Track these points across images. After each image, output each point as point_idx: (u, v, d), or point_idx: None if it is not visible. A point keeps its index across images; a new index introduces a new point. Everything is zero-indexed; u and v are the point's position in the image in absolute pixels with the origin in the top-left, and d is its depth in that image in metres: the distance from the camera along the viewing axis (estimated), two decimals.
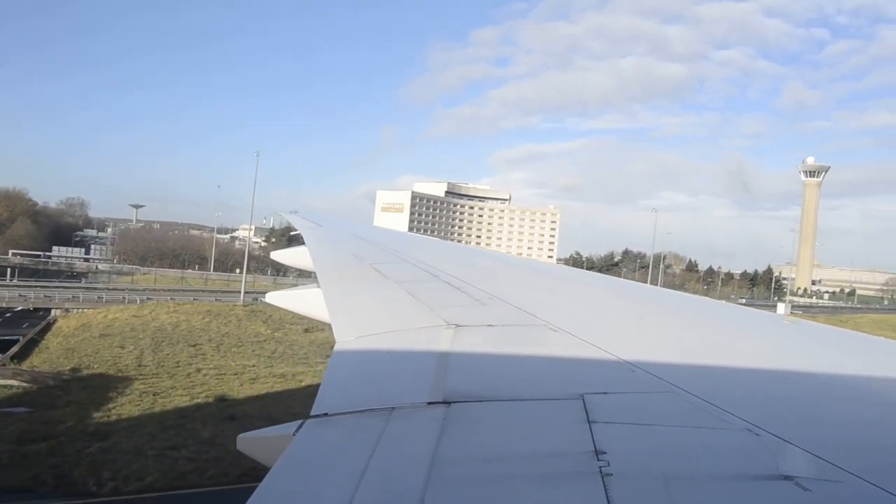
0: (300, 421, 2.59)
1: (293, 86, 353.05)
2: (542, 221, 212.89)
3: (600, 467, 2.08)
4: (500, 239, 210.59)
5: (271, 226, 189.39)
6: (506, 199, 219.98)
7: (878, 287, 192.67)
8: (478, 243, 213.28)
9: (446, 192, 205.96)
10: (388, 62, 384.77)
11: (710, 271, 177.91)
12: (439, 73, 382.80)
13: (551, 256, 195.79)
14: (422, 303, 4.87)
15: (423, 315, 4.47)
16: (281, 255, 10.14)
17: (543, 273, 9.39)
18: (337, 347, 3.77)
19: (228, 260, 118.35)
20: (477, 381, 3.15)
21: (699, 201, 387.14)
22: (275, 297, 6.65)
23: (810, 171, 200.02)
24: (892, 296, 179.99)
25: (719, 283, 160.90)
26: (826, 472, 2.09)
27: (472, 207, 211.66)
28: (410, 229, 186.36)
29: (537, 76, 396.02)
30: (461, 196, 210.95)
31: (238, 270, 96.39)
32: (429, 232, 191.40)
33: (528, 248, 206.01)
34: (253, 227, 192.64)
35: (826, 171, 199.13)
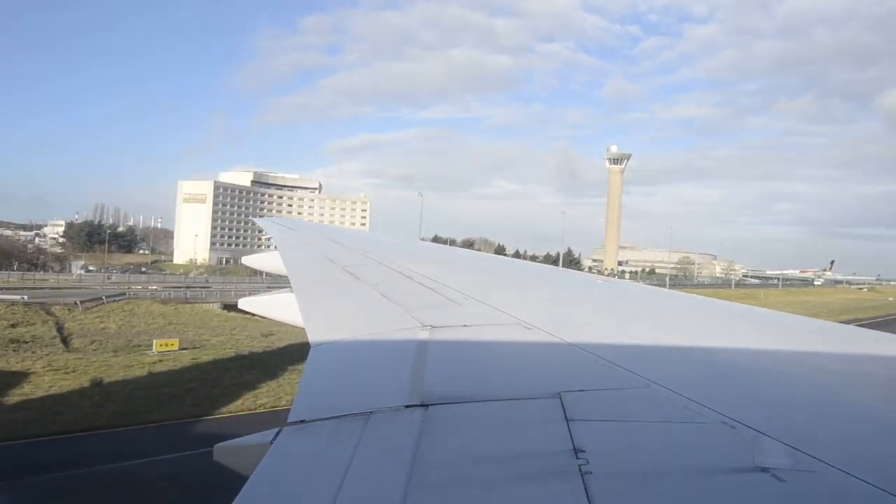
0: (277, 429, 2.56)
1: (118, 74, 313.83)
2: (353, 210, 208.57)
3: (580, 465, 2.07)
4: None
5: (72, 219, 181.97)
6: (315, 188, 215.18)
7: (672, 266, 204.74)
8: None
9: (253, 182, 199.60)
10: (217, 50, 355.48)
11: (517, 255, 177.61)
12: (270, 61, 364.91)
13: None
14: (396, 304, 4.85)
15: (398, 317, 4.45)
16: (252, 260, 10.03)
17: (518, 271, 9.40)
18: (312, 352, 3.73)
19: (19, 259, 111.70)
20: (454, 383, 3.14)
21: (528, 189, 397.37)
22: (247, 304, 6.57)
23: (614, 159, 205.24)
24: (684, 273, 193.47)
25: None
26: (801, 463, 2.11)
27: (280, 197, 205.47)
28: (214, 221, 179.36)
29: (369, 66, 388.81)
30: (269, 185, 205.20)
31: None
32: (234, 223, 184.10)
33: None
34: (63, 222, 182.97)
35: (628, 159, 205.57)
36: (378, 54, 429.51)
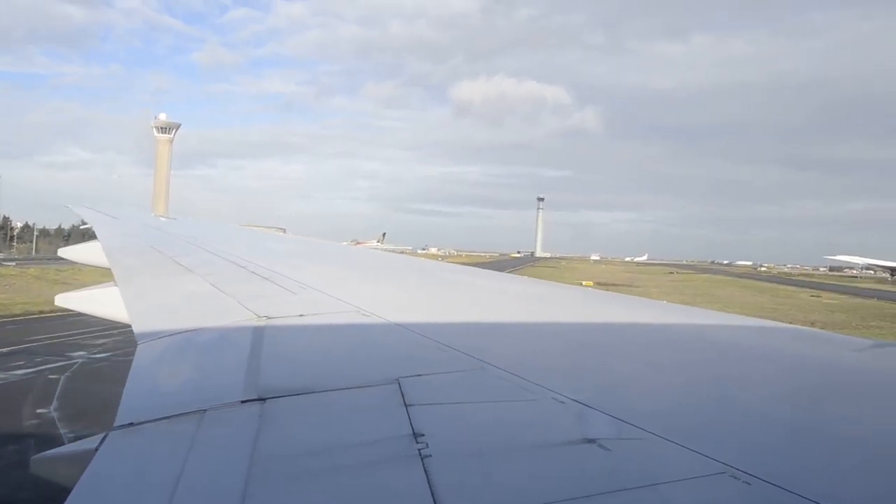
0: (103, 434, 2.35)
1: None
2: None
3: (419, 449, 2.06)
4: None
5: None
6: None
7: None
8: None
9: None
10: None
11: (27, 227, 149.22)
12: None
13: None
14: (229, 295, 4.64)
15: (232, 308, 4.26)
16: (70, 252, 9.21)
17: (353, 259, 9.34)
18: (139, 349, 3.48)
19: None
20: (292, 374, 3.04)
21: (106, 158, 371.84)
22: (65, 300, 6.02)
23: (162, 128, 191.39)
24: None
25: (34, 239, 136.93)
26: (624, 432, 2.22)
27: None
28: None
29: None
30: None
31: None
32: None
33: None
34: None
35: (177, 128, 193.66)
36: None
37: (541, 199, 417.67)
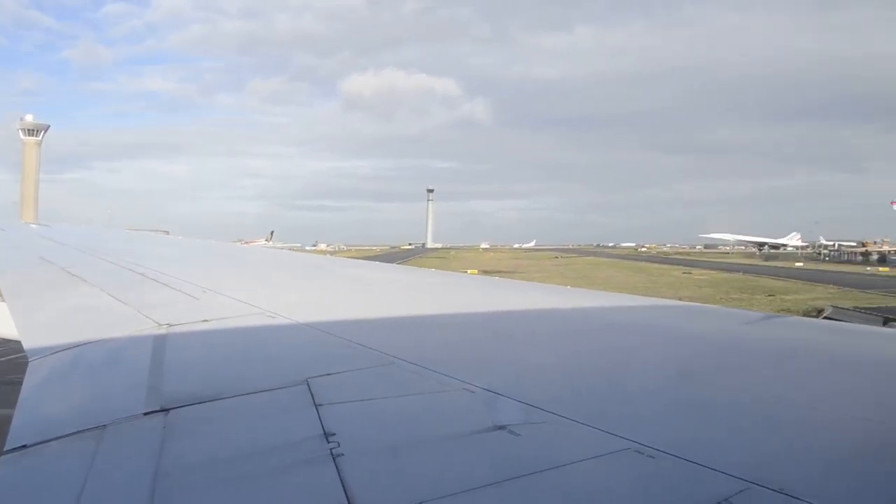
0: None
1: None
2: None
3: (331, 449, 2.04)
4: None
5: None
6: None
7: None
8: None
9: None
10: None
11: None
12: None
13: None
14: (127, 304, 4.45)
15: (131, 317, 4.08)
16: None
17: (251, 259, 9.14)
18: (31, 367, 3.29)
19: None
20: (197, 382, 2.94)
21: None
22: None
23: (29, 130, 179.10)
24: None
25: None
26: (532, 416, 2.27)
27: None
28: None
29: None
30: None
31: None
32: None
33: None
34: None
35: (46, 130, 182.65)
36: None
37: (430, 191, 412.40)
